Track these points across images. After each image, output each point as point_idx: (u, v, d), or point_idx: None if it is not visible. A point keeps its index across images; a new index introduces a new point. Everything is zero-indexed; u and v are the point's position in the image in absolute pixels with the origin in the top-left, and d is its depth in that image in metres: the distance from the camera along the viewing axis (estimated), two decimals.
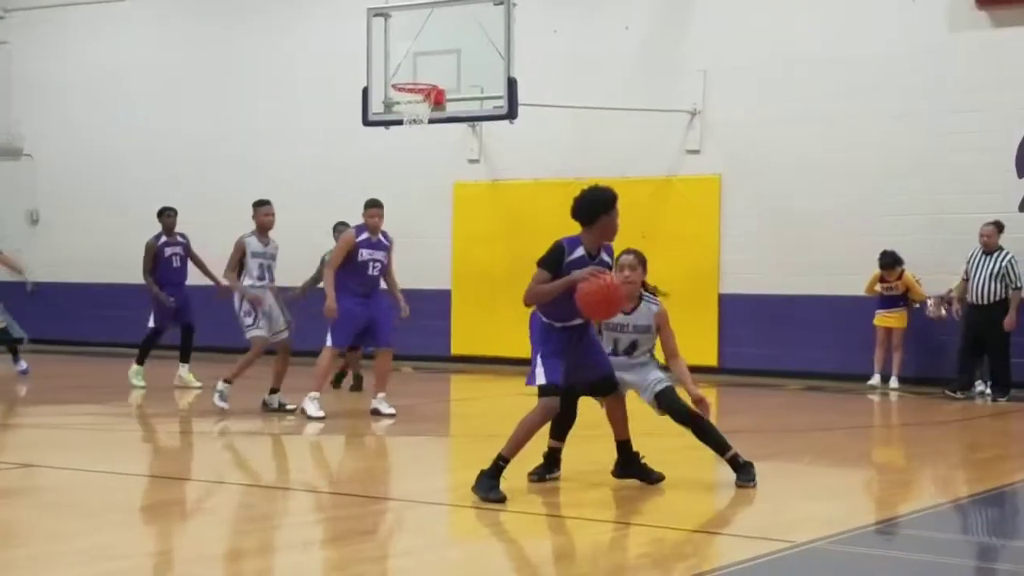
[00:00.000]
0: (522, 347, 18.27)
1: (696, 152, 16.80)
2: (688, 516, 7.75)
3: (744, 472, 8.30)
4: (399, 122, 15.27)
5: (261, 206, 12.62)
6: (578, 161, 17.00)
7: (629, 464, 8.22)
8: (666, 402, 8.29)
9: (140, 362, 14.65)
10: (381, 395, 11.91)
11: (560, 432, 8.40)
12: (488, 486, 7.63)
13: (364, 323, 11.76)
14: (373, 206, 11.94)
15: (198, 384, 14.38)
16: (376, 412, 11.85)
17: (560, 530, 7.22)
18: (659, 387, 8.31)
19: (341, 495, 8.48)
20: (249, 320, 12.30)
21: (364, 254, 11.76)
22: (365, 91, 15.60)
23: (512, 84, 14.59)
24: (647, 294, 8.44)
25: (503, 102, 14.70)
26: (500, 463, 7.73)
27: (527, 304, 7.88)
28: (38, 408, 13.46)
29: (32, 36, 21.47)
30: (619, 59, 17.14)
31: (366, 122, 15.78)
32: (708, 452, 8.43)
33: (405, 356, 15.91)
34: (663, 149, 16.85)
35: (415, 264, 16.12)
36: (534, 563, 6.45)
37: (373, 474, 9.64)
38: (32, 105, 21.24)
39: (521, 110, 14.79)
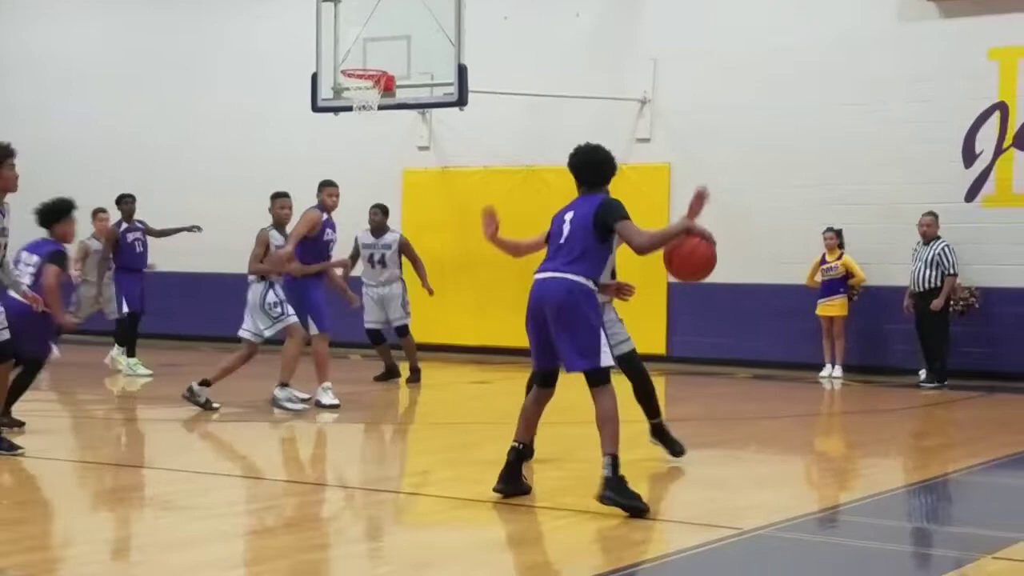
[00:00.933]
0: (472, 334, 18.26)
1: (646, 140, 16.84)
2: None
3: (667, 441, 8.58)
4: (348, 108, 15.20)
5: (278, 198, 11.83)
6: (528, 149, 16.99)
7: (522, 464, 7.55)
8: (628, 362, 8.39)
9: (131, 353, 14.59)
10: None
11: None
12: (629, 493, 6.99)
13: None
14: (332, 185, 12.07)
15: (119, 369, 14.53)
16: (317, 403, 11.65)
17: (510, 517, 7.21)
18: (630, 346, 8.45)
19: (291, 483, 8.44)
20: (278, 311, 11.37)
21: (328, 234, 11.85)
22: (314, 77, 15.51)
23: (462, 71, 14.56)
24: None
25: (453, 89, 14.66)
26: (616, 462, 7.04)
27: (651, 250, 7.32)
28: None
29: None
30: (570, 46, 17.14)
31: (315, 108, 15.70)
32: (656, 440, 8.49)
33: (354, 344, 15.86)
34: (613, 137, 16.74)
35: None
36: (484, 549, 6.45)
37: (323, 462, 9.60)
38: None
39: (471, 97, 14.76)
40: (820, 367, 15.32)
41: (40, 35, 20.65)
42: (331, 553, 6.36)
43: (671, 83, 16.67)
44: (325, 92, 15.48)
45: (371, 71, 14.99)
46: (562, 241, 7.25)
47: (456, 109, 14.99)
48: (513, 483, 7.37)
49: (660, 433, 8.74)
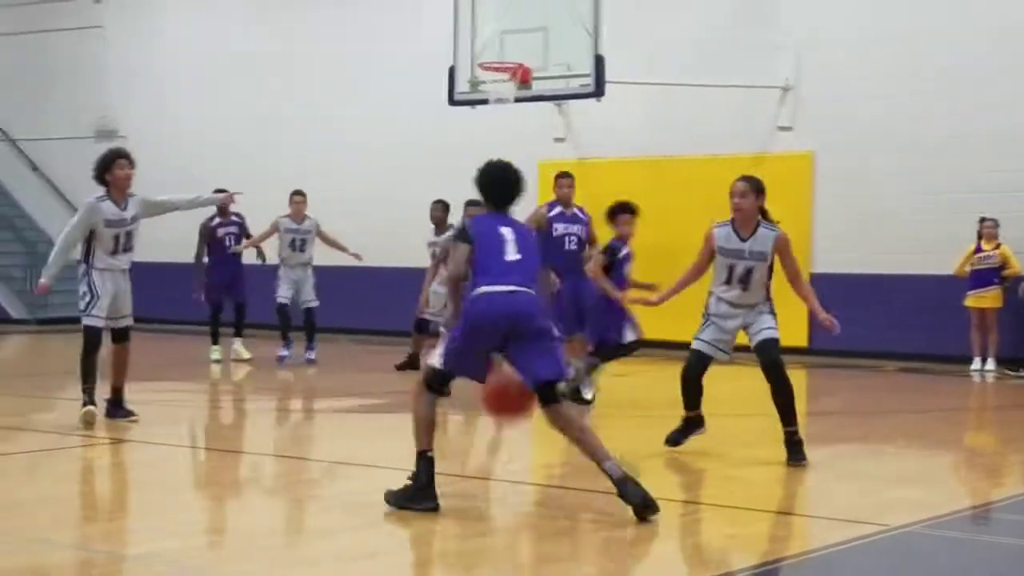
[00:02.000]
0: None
1: (788, 129, 16.53)
2: (777, 498, 7.64)
3: (795, 452, 8.18)
4: (485, 101, 15.19)
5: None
6: (667, 139, 16.81)
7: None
8: (767, 350, 8.18)
9: (215, 342, 15.03)
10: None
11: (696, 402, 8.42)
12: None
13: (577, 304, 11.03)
14: (565, 176, 11.66)
15: (248, 356, 14.94)
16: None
17: None
18: (769, 334, 8.24)
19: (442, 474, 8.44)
20: None
21: (559, 228, 11.44)
22: (452, 70, 15.55)
23: (599, 61, 14.43)
24: (765, 221, 8.32)
25: (590, 80, 14.53)
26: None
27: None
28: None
29: (126, 20, 21.79)
30: (709, 34, 16.89)
31: (452, 101, 15.72)
32: None
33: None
34: (754, 126, 16.59)
35: None
36: (623, 543, 6.36)
37: (464, 453, 9.59)
38: (126, 88, 21.58)
39: (608, 87, 14.64)
40: (970, 360, 14.88)
41: (186, 37, 21.18)
42: (474, 544, 6.33)
43: (814, 70, 16.32)
44: (462, 85, 15.50)
45: (508, 64, 14.97)
46: (519, 257, 7.04)
47: (593, 100, 14.86)
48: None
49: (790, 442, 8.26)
